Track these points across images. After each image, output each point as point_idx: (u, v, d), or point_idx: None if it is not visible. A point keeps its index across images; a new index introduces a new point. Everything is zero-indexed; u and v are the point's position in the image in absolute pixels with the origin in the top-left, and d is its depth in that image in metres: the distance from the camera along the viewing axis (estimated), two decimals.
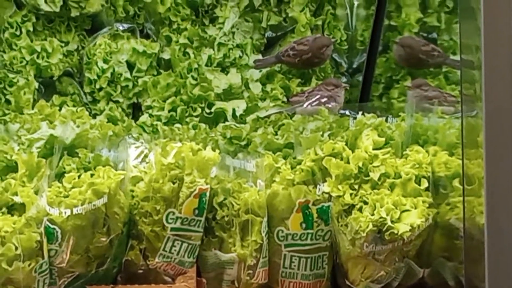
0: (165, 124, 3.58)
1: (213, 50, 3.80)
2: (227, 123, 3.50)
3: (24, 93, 3.67)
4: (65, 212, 2.84)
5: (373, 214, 2.86)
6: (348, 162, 2.95)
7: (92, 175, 2.91)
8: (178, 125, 3.51)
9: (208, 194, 2.94)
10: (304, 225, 2.96)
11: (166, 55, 3.82)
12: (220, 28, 3.85)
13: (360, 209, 2.90)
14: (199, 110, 3.65)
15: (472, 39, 2.55)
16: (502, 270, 2.49)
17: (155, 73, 3.80)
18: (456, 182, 2.93)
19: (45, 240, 2.83)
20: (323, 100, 3.58)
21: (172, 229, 2.93)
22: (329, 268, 3.02)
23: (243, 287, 3.00)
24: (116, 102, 3.74)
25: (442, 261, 3.00)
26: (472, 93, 2.58)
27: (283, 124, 3.33)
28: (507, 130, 2.49)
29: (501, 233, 2.49)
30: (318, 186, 2.98)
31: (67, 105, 3.56)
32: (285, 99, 3.72)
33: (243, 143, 3.24)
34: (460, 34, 2.70)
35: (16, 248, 2.77)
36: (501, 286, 2.49)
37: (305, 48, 3.74)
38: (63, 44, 3.81)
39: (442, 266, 3.00)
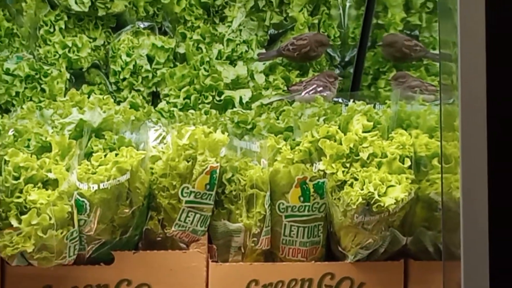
0: (180, 110, 3.57)
1: (223, 45, 3.81)
2: (234, 109, 3.50)
3: (57, 83, 3.67)
4: (93, 187, 2.84)
5: (362, 189, 2.86)
6: (340, 143, 2.94)
7: (116, 154, 2.92)
8: (192, 111, 3.51)
9: (218, 171, 2.94)
10: (302, 199, 2.96)
11: (181, 50, 3.83)
12: (229, 26, 3.85)
13: (351, 185, 2.89)
14: (210, 98, 3.65)
15: (450, 35, 2.55)
16: (475, 238, 2.49)
17: (172, 65, 3.80)
18: (435, 161, 2.93)
19: (75, 211, 2.84)
20: (318, 89, 3.58)
21: (187, 202, 2.93)
22: (324, 236, 3.02)
23: (248, 252, 3.00)
24: (138, 90, 3.75)
25: (423, 230, 2.99)
26: (450, 83, 2.58)
27: (284, 110, 3.34)
28: (480, 116, 2.48)
29: (475, 206, 2.48)
30: (314, 164, 2.98)
31: (95, 93, 3.56)
32: (285, 88, 3.72)
33: (248, 126, 3.25)
34: (439, 31, 2.69)
35: (50, 218, 2.77)
36: (475, 252, 2.49)
37: (303, 44, 3.74)
38: (91, 40, 3.81)
39: (423, 234, 3.00)
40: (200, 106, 3.61)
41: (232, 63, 3.77)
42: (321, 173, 2.96)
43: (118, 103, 3.47)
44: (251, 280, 2.97)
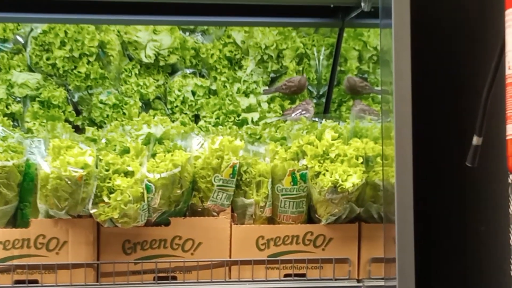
0: (213, 126, 3.57)
1: (240, 84, 3.79)
2: (248, 126, 3.50)
3: (133, 109, 3.67)
4: (157, 176, 2.84)
5: (331, 177, 2.86)
6: (317, 147, 2.94)
7: (172, 155, 2.91)
8: (220, 126, 3.51)
9: (238, 165, 2.94)
10: (292, 183, 2.96)
11: (213, 87, 3.81)
12: (244, 72, 3.84)
13: (324, 174, 2.89)
14: (232, 118, 3.65)
15: (388, 78, 2.55)
16: (404, 209, 2.50)
17: (207, 97, 3.78)
18: (378, 159, 2.92)
19: (145, 192, 2.83)
20: (302, 112, 3.57)
21: (217, 185, 2.92)
22: (306, 207, 3.01)
23: (257, 218, 2.99)
24: (185, 113, 3.74)
25: (370, 203, 2.99)
26: (388, 109, 2.58)
27: (280, 126, 3.34)
28: (407, 130, 2.49)
29: (404, 187, 2.49)
30: (300, 161, 2.98)
31: (158, 115, 3.56)
32: (281, 112, 3.72)
33: (257, 137, 3.24)
34: (381, 75, 2.70)
35: (129, 196, 2.77)
36: (403, 218, 2.50)
37: (292, 85, 3.72)
38: (155, 81, 3.79)
39: (371, 206, 2.99)
40: (226, 123, 3.61)
41: (247, 95, 3.77)
42: (305, 166, 2.95)
43: (173, 121, 3.47)
44: (259, 236, 2.96)
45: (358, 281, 2.97)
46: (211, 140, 2.96)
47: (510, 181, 2.22)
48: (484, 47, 2.76)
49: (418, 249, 2.50)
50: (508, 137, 2.19)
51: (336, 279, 2.96)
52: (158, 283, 2.89)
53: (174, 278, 2.91)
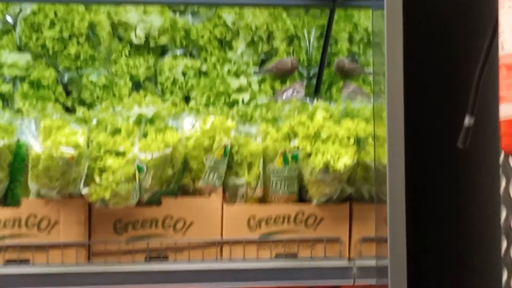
0: (204, 107, 3.57)
1: (231, 65, 3.78)
2: (239, 106, 3.49)
3: (123, 90, 3.66)
4: (148, 156, 2.84)
5: (323, 157, 2.87)
6: (308, 128, 2.95)
7: (163, 135, 2.91)
8: (211, 107, 3.51)
9: (229, 146, 2.94)
10: (283, 164, 2.96)
11: (204, 68, 3.80)
12: (235, 53, 3.83)
13: (316, 155, 2.90)
14: (223, 99, 3.65)
15: (379, 59, 2.56)
16: (395, 189, 2.51)
17: (198, 78, 3.77)
18: (370, 139, 2.93)
19: (137, 172, 2.83)
20: (293, 93, 3.58)
21: (209, 166, 2.92)
22: (298, 187, 3.01)
23: (249, 199, 2.99)
24: (176, 94, 3.73)
25: (362, 184, 3.00)
26: (379, 90, 2.59)
27: (271, 107, 3.33)
28: (399, 110, 2.50)
29: (396, 167, 2.50)
30: (292, 141, 2.98)
31: (148, 96, 3.55)
32: (272, 93, 3.71)
33: (248, 117, 3.24)
34: (373, 56, 2.70)
35: (120, 176, 2.77)
36: (395, 198, 2.50)
37: (283, 66, 3.73)
38: (146, 62, 3.78)
39: (362, 187, 3.00)
40: (216, 104, 3.61)
41: (237, 76, 3.76)
42: (296, 147, 2.96)
43: (164, 102, 3.46)
44: (250, 216, 2.96)
45: (349, 260, 2.98)
46: (202, 121, 2.96)
47: (501, 161, 2.23)
48: (477, 29, 2.76)
49: (410, 229, 2.51)
50: (501, 118, 2.19)
51: (327, 258, 2.97)
52: (150, 263, 2.90)
53: (166, 257, 2.92)
